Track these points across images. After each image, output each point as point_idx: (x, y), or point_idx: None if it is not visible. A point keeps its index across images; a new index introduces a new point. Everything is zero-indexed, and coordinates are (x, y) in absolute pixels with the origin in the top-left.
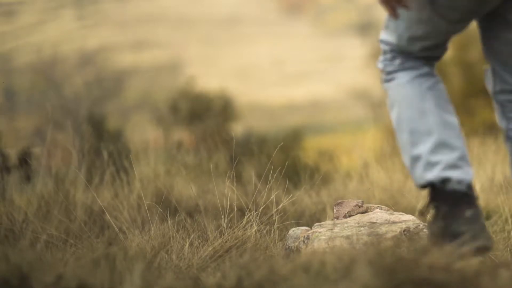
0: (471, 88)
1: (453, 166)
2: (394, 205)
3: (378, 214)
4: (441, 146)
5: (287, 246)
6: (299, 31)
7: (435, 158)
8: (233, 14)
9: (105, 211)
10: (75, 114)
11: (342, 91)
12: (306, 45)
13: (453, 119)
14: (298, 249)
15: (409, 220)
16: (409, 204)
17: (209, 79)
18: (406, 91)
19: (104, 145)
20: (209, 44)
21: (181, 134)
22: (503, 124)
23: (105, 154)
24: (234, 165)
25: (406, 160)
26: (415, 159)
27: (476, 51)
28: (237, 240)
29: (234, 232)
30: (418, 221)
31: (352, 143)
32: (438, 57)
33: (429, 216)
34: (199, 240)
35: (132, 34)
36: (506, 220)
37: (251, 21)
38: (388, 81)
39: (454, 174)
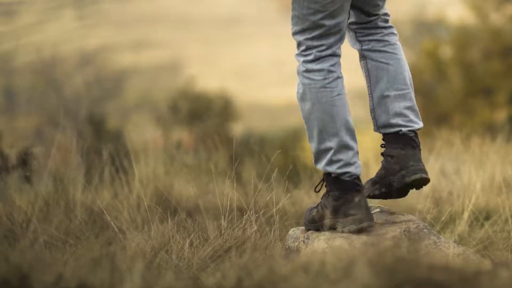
0: (471, 88)
1: (348, 164)
2: (394, 205)
3: (378, 214)
4: (342, 147)
5: (287, 246)
6: None
7: (336, 157)
8: (233, 14)
9: (105, 211)
10: (75, 114)
11: None
12: None
13: (351, 121)
14: (298, 249)
15: (409, 220)
16: (409, 204)
17: (209, 79)
18: (320, 95)
19: (103, 145)
20: (209, 44)
21: (181, 134)
22: (357, 47)
23: (104, 154)
24: (235, 165)
25: (313, 148)
26: (321, 152)
27: (476, 51)
28: (236, 240)
29: (234, 232)
30: (418, 221)
31: None
32: (340, 38)
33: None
34: (199, 240)
35: (132, 34)
36: (506, 220)
37: (251, 21)
38: (304, 73)
39: (348, 170)
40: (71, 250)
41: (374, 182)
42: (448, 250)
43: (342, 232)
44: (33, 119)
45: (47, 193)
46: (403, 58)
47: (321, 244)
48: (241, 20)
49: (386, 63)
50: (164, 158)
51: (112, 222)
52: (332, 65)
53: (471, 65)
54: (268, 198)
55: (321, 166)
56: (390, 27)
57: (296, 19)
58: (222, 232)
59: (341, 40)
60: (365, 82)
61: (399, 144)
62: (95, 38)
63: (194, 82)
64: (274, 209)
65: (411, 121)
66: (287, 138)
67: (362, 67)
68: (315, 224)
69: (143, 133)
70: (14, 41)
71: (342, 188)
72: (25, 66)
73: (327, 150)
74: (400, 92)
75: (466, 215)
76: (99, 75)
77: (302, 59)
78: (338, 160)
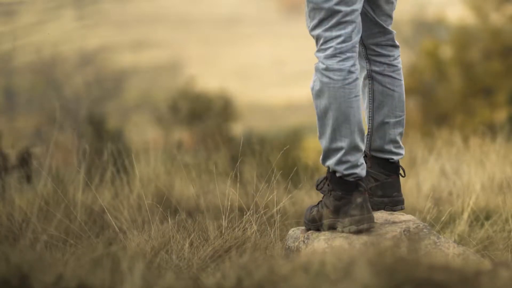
0: (471, 88)
1: (355, 166)
2: None
3: (378, 214)
4: (352, 149)
5: (287, 246)
6: (299, 31)
7: (345, 158)
8: (233, 14)
9: (106, 211)
10: (75, 114)
11: None
12: (306, 45)
13: (362, 123)
14: (298, 249)
15: (409, 220)
16: (409, 204)
17: (209, 79)
18: (338, 95)
19: (104, 145)
20: (209, 44)
21: (181, 134)
22: (364, 64)
23: (105, 154)
24: (237, 164)
25: (323, 146)
26: (332, 151)
27: (476, 51)
28: (237, 240)
29: (234, 232)
30: (418, 221)
31: None
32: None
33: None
34: (199, 240)
35: (132, 34)
36: (506, 220)
37: (251, 21)
38: (323, 71)
39: (355, 171)
40: (71, 250)
41: None
42: (448, 250)
43: (342, 232)
44: (33, 119)
45: (47, 193)
46: (403, 82)
47: (321, 244)
48: (241, 20)
49: (392, 90)
50: (164, 158)
51: (112, 222)
52: (352, 65)
53: (471, 65)
54: (268, 198)
55: (328, 163)
56: (398, 47)
57: (312, 12)
58: (223, 232)
59: (358, 32)
60: (365, 101)
61: (386, 171)
62: (95, 38)
63: (194, 82)
64: (275, 209)
65: (399, 147)
66: (287, 138)
67: (366, 86)
68: (315, 224)
69: (143, 133)
70: (14, 41)
71: (345, 189)
72: (25, 66)
73: (338, 150)
74: (399, 119)
75: (466, 215)
76: (99, 75)
77: (322, 54)
78: (347, 161)
